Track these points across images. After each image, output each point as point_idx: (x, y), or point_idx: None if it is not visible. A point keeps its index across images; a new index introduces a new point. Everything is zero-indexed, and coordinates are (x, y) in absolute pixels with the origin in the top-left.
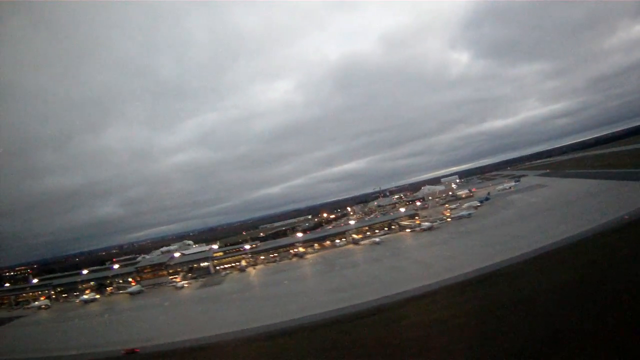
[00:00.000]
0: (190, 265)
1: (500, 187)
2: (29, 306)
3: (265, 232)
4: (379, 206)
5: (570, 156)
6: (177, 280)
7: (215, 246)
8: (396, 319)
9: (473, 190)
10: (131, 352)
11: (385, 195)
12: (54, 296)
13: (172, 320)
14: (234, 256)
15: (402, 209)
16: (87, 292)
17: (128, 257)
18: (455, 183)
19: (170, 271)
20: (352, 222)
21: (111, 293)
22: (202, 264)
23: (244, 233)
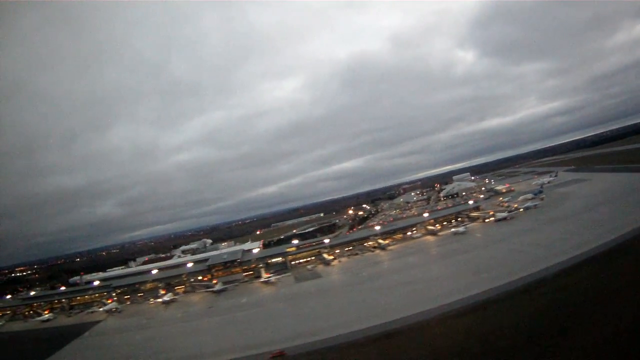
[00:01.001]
0: (265, 261)
1: (539, 181)
2: (91, 310)
3: (280, 230)
4: (406, 202)
5: (580, 154)
6: (264, 276)
7: (255, 243)
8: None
9: (506, 185)
10: (278, 356)
11: (399, 193)
12: (115, 298)
13: (304, 316)
14: (308, 251)
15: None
16: (162, 292)
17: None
18: (470, 180)
19: (245, 268)
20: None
21: (185, 292)
22: (276, 260)
23: (258, 232)
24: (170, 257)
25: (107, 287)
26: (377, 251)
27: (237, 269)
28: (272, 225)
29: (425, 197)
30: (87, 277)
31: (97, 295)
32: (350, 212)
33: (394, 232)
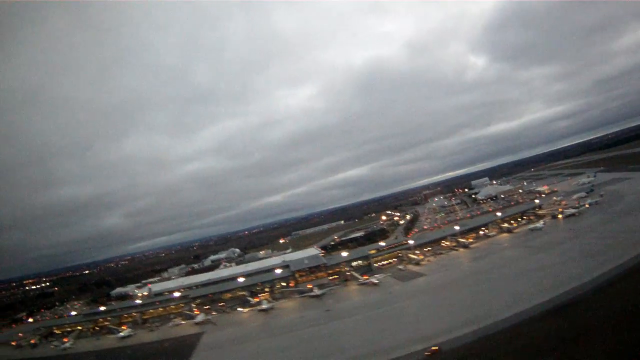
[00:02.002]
0: (349, 264)
1: (580, 181)
2: (175, 323)
3: (302, 239)
4: (441, 206)
5: (597, 156)
6: (362, 278)
7: (310, 250)
8: None
9: (544, 187)
10: (433, 352)
11: (422, 200)
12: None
13: (440, 311)
14: (388, 253)
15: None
16: (256, 298)
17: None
18: (490, 184)
19: (330, 272)
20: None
21: (276, 299)
22: (358, 263)
23: (281, 241)
24: (215, 267)
25: (175, 298)
26: (460, 249)
27: (322, 274)
28: (293, 234)
29: (458, 201)
30: (155, 288)
31: (173, 306)
32: (384, 217)
33: (468, 231)
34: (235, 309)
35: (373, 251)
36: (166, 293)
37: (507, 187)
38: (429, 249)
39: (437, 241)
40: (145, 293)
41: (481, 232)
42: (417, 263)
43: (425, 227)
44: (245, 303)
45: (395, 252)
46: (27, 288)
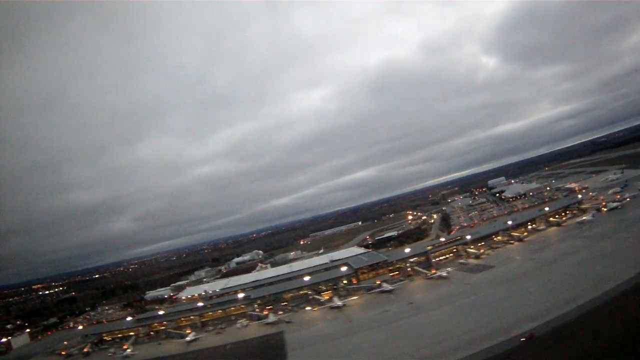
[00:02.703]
0: (407, 261)
1: (608, 178)
2: (244, 324)
3: (320, 240)
4: (468, 205)
5: (613, 154)
6: (429, 272)
7: (352, 249)
8: None
9: (572, 184)
10: (529, 338)
11: (441, 200)
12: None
13: (526, 298)
14: (445, 249)
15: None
16: (325, 296)
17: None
18: (506, 183)
19: (390, 268)
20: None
21: (341, 296)
22: (415, 260)
23: (302, 242)
24: (249, 269)
25: (235, 300)
26: (515, 243)
27: (383, 270)
28: (311, 235)
29: (483, 200)
30: (195, 291)
31: (232, 308)
32: (410, 217)
33: (516, 227)
34: (303, 308)
35: (429, 247)
36: (214, 296)
37: (534, 185)
38: (483, 243)
39: (488, 236)
40: (194, 295)
41: (529, 227)
42: (478, 257)
43: (464, 224)
44: (310, 302)
45: (451, 248)
46: (40, 293)
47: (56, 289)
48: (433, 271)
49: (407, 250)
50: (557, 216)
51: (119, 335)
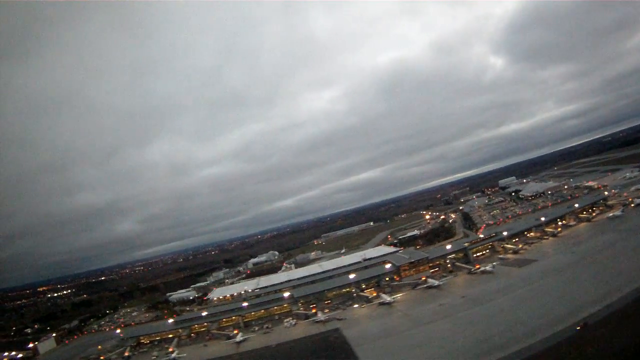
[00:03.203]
0: (446, 257)
1: (625, 176)
2: (292, 323)
3: (333, 240)
4: (487, 204)
5: (618, 154)
6: (474, 267)
7: (380, 247)
8: None
9: (590, 182)
10: (583, 326)
11: (454, 199)
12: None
13: (576, 288)
14: (481, 245)
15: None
16: (373, 293)
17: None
18: (520, 182)
19: (430, 265)
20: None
21: (386, 293)
22: (455, 255)
23: (315, 242)
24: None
25: (279, 299)
26: (550, 238)
27: (424, 267)
28: (322, 236)
29: (501, 199)
30: (224, 292)
31: (275, 308)
32: (427, 216)
33: (546, 223)
34: (349, 306)
35: (467, 244)
36: (251, 297)
37: (551, 183)
38: (517, 239)
39: (521, 232)
40: (225, 296)
41: (559, 223)
42: (516, 252)
43: (490, 222)
44: (355, 300)
45: (486, 245)
46: (49, 295)
47: (64, 292)
48: (477, 266)
49: (448, 247)
50: (584, 212)
51: (157, 338)
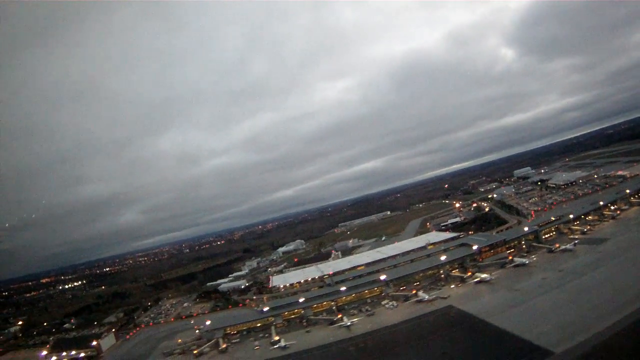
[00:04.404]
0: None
1: None
2: (391, 304)
3: (341, 230)
4: (517, 194)
5: (630, 146)
6: (555, 247)
7: (444, 233)
8: None
9: (619, 172)
10: None
11: (473, 189)
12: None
13: None
14: (547, 228)
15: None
16: (467, 274)
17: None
18: (539, 172)
19: (507, 246)
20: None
21: (478, 271)
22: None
23: (335, 230)
24: (327, 256)
25: (374, 281)
26: (610, 220)
27: (501, 249)
28: (340, 225)
29: (529, 187)
30: (336, 278)
31: (366, 292)
32: (457, 204)
33: (600, 207)
34: (443, 286)
35: (536, 226)
36: (326, 283)
37: (579, 173)
38: (577, 222)
39: (578, 217)
40: (294, 284)
41: (612, 208)
42: (584, 233)
43: (537, 208)
44: (446, 280)
45: (551, 227)
46: (61, 287)
47: (75, 283)
48: (557, 245)
49: (526, 228)
50: (635, 197)
51: (244, 328)
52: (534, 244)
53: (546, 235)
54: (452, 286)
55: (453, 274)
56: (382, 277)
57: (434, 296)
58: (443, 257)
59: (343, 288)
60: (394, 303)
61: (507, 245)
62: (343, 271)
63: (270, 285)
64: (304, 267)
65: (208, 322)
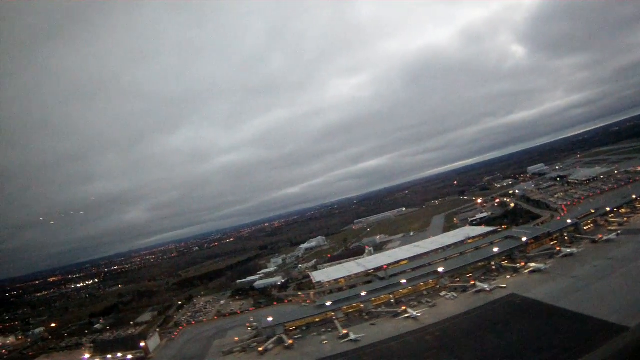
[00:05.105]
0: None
1: None
2: (450, 295)
3: (358, 227)
4: (539, 189)
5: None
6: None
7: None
8: None
9: (638, 167)
10: None
11: (489, 185)
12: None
13: None
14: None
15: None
16: (520, 263)
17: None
18: (553, 169)
19: (550, 238)
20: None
21: (528, 262)
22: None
23: (353, 227)
24: (359, 252)
25: (431, 273)
26: None
27: (546, 240)
28: (355, 222)
29: (549, 183)
30: (394, 270)
31: (421, 284)
32: (479, 200)
33: (631, 202)
34: (497, 276)
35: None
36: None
37: (598, 169)
38: (612, 215)
39: (613, 210)
40: (339, 279)
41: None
42: (621, 224)
43: (567, 203)
44: (498, 271)
45: (588, 220)
46: (73, 286)
47: (87, 282)
48: (600, 236)
49: (569, 221)
50: None
51: (302, 324)
52: (576, 235)
53: (585, 227)
54: (507, 277)
55: (507, 264)
56: (440, 269)
57: (494, 286)
58: (495, 249)
59: (404, 281)
60: (454, 294)
61: (550, 237)
62: (388, 265)
63: (314, 281)
64: (340, 263)
65: (270, 319)
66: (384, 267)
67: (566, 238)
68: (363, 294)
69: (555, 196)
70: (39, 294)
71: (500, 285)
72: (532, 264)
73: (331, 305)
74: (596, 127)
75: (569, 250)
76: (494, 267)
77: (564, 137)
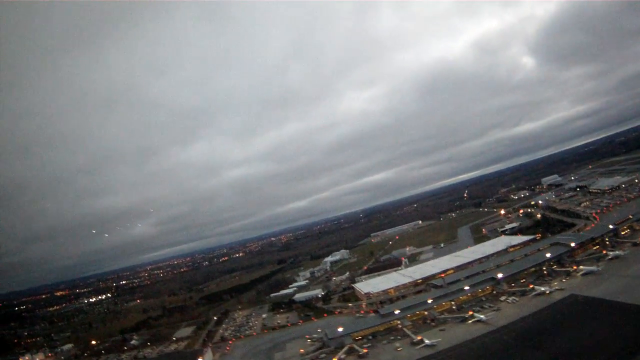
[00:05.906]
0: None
1: None
2: (509, 300)
3: (377, 239)
4: (561, 200)
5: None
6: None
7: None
8: None
9: None
10: None
11: (505, 197)
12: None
13: None
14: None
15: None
16: (574, 267)
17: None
18: (569, 179)
19: (593, 243)
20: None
21: (578, 265)
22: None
23: (372, 240)
24: (395, 264)
25: (489, 280)
26: None
27: (589, 245)
28: (372, 235)
29: (571, 193)
30: (448, 278)
31: (479, 290)
32: (502, 212)
33: None
34: (549, 280)
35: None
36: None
37: (620, 178)
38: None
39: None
40: (388, 290)
41: None
42: None
43: (598, 210)
44: (550, 275)
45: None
46: (86, 301)
47: (99, 296)
48: (639, 239)
49: (610, 226)
50: None
51: (368, 333)
52: (617, 240)
53: (623, 232)
54: (562, 280)
55: (555, 269)
56: (499, 275)
57: (553, 289)
58: (548, 254)
59: (467, 287)
60: (514, 298)
61: (593, 242)
62: (434, 275)
63: (362, 292)
64: (379, 274)
65: (340, 329)
66: (442, 275)
67: (607, 242)
68: (429, 301)
69: (582, 205)
70: (50, 309)
71: (559, 288)
72: (583, 267)
73: (399, 313)
74: (600, 137)
75: (615, 252)
76: (545, 271)
77: (567, 148)
